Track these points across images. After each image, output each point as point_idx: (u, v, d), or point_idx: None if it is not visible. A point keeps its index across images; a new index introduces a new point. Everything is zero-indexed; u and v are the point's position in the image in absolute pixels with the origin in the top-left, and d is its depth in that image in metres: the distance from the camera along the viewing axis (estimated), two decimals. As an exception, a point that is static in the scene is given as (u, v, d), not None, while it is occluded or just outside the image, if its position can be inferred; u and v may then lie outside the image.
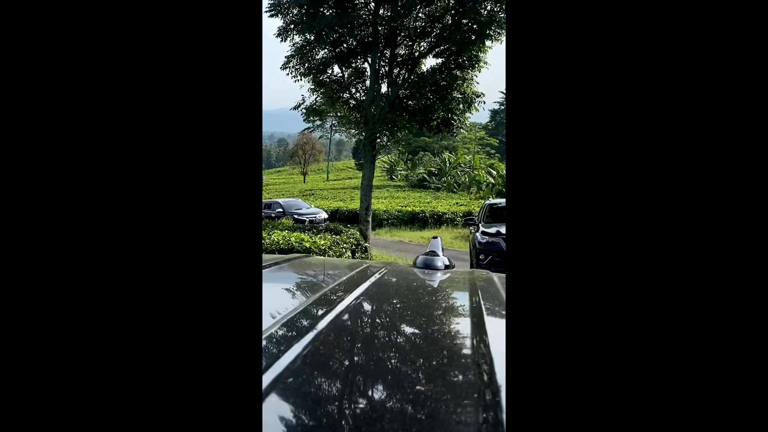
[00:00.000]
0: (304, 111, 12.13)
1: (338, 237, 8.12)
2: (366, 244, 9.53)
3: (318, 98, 11.84)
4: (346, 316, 0.81)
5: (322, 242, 7.22)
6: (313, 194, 38.38)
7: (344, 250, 7.72)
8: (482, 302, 0.95)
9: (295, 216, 16.08)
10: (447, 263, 1.31)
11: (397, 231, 18.26)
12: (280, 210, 17.36)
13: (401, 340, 0.76)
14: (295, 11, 10.77)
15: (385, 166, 45.49)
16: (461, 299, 1.04)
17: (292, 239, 7.06)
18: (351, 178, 55.72)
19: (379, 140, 11.58)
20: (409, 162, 43.82)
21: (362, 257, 8.60)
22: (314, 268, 1.34)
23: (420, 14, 10.69)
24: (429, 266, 1.28)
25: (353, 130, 12.06)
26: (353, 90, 11.56)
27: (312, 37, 10.93)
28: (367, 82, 11.28)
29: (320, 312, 0.81)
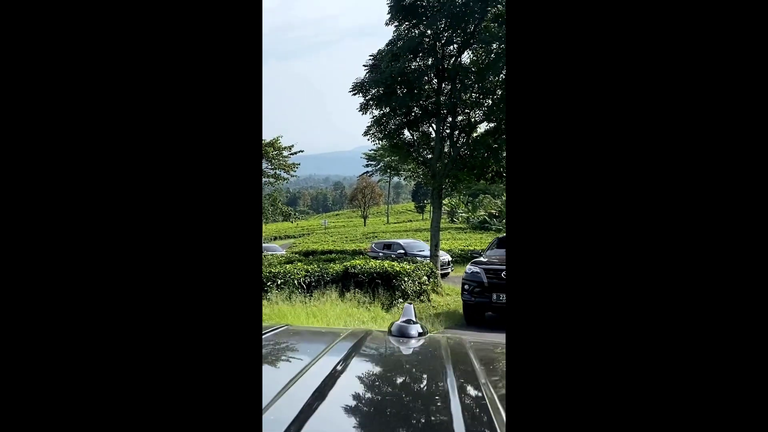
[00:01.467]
0: (376, 167, 15.66)
1: (416, 265, 11.43)
2: (437, 271, 12.78)
3: (392, 157, 15.38)
4: (324, 391, 0.85)
5: (408, 267, 10.55)
6: (376, 236, 41.92)
7: (421, 275, 10.99)
8: (452, 371, 1.03)
9: (418, 258, 15.55)
10: (420, 330, 1.37)
11: (461, 267, 21.36)
12: (402, 251, 18.00)
13: (373, 411, 0.84)
14: (373, 91, 14.42)
15: (446, 209, 48.65)
16: (434, 368, 1.13)
17: (386, 264, 10.42)
18: (411, 220, 59.17)
19: (444, 190, 14.94)
20: (470, 205, 46.80)
21: (434, 282, 11.83)
22: (295, 338, 1.40)
23: (475, 89, 14.11)
24: (404, 334, 1.34)
25: (421, 181, 15.46)
26: (421, 150, 15.02)
27: (388, 110, 14.53)
28: (433, 144, 14.72)
29: (300, 389, 0.86)
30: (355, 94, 14.80)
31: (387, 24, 14.28)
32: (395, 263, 10.83)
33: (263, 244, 21.59)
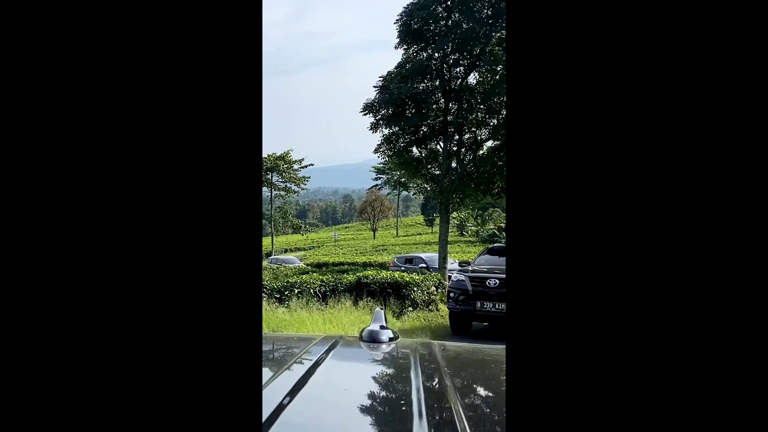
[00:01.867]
0: (386, 181, 16.58)
1: (425, 276, 12.27)
2: (446, 282, 13.63)
3: (401, 173, 16.29)
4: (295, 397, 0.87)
5: (417, 278, 11.40)
6: (385, 249, 42.72)
7: (430, 285, 11.83)
8: (419, 375, 1.05)
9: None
10: (391, 335, 1.39)
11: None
12: (424, 265, 17.85)
13: (338, 415, 0.86)
14: (383, 111, 15.35)
15: (456, 222, 49.41)
16: (401, 372, 1.15)
17: (396, 275, 11.28)
18: (420, 233, 59.97)
19: (451, 205, 15.80)
20: (479, 218, 47.55)
21: (442, 293, 12.67)
22: (267, 344, 1.42)
23: (481, 108, 15.01)
24: (374, 339, 1.36)
25: (429, 196, 16.35)
26: (429, 167, 15.92)
27: (397, 129, 15.45)
28: (440, 160, 15.61)
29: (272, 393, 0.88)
30: (365, 114, 15.75)
31: (396, 47, 15.26)
32: (405, 274, 11.68)
33: (281, 256, 22.41)
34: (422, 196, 18.44)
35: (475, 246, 39.62)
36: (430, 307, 11.37)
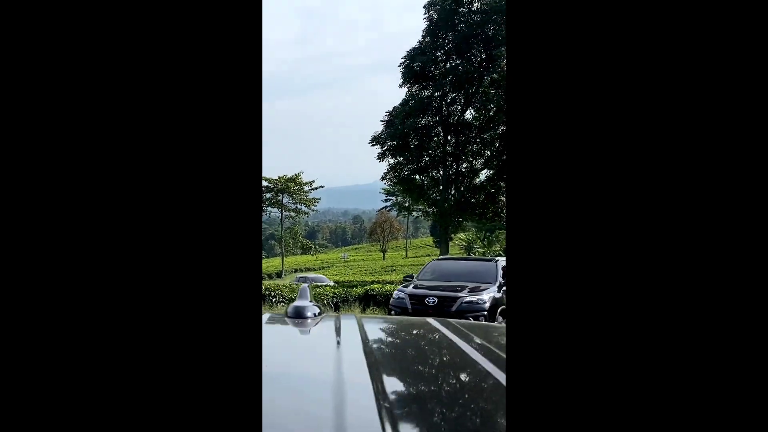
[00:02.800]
0: (393, 204, 18.77)
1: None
2: None
3: (405, 198, 18.44)
4: None
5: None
6: (394, 270, 44.69)
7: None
8: (343, 347, 1.12)
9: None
10: (316, 311, 1.45)
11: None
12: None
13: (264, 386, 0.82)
14: (389, 143, 17.55)
15: (463, 243, 51.34)
16: (326, 344, 1.19)
17: (388, 287, 13.39)
18: (429, 255, 61.83)
19: (450, 228, 17.91)
20: (486, 240, 49.47)
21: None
22: None
23: (476, 141, 17.16)
24: (300, 315, 1.43)
25: (430, 219, 18.46)
26: (430, 192, 18.05)
27: (401, 159, 17.63)
28: (440, 187, 17.75)
29: None
30: (373, 145, 17.96)
31: (400, 86, 17.52)
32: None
33: (310, 275, 23.88)
34: (429, 220, 20.54)
35: (481, 267, 41.30)
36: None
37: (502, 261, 8.58)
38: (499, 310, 7.55)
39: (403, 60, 17.21)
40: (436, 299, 7.55)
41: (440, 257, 10.84)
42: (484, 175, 17.54)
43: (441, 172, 17.71)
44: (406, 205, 18.53)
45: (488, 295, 7.53)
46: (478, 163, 17.48)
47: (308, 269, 55.00)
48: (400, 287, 8.62)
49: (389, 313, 8.27)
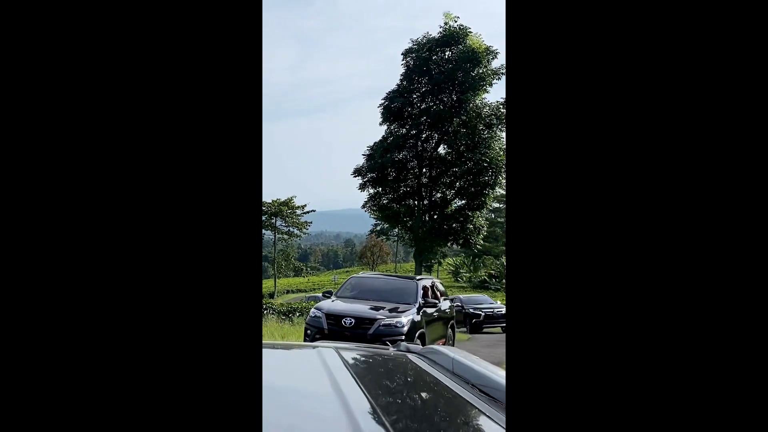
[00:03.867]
0: (372, 231, 20.90)
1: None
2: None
3: (384, 225, 20.56)
4: None
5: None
6: (381, 293, 46.28)
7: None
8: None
9: (471, 310, 17.72)
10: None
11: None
12: (458, 304, 18.48)
13: None
14: (369, 175, 19.67)
15: (451, 268, 53.19)
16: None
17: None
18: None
19: (423, 253, 19.99)
20: (472, 265, 51.39)
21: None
22: None
23: (448, 173, 19.30)
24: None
25: (406, 244, 20.55)
26: (406, 220, 20.14)
27: (380, 189, 19.75)
28: (416, 215, 19.85)
29: None
30: (356, 177, 20.08)
31: (380, 124, 19.73)
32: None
33: (320, 295, 25.98)
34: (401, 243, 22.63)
35: (466, 291, 43.29)
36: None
37: (424, 281, 8.60)
38: (417, 334, 7.34)
39: (383, 101, 19.45)
40: (353, 320, 7.23)
41: (361, 274, 10.37)
42: (455, 204, 19.66)
43: (416, 202, 19.84)
44: (384, 230, 20.57)
45: (407, 318, 7.30)
46: (450, 193, 19.62)
47: (299, 291, 56.81)
48: (317, 305, 8.13)
49: (305, 333, 7.87)
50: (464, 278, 51.42)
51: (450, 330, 9.31)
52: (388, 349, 1.57)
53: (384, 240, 62.03)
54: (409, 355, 1.40)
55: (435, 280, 9.84)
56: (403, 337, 6.95)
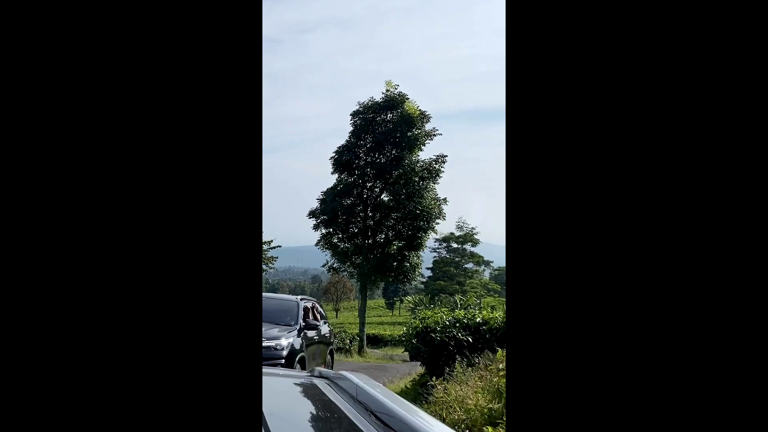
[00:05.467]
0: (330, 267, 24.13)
1: (344, 334, 19.50)
2: (364, 340, 20.88)
3: (336, 261, 23.79)
4: None
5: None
6: (342, 326, 49.18)
7: (345, 338, 19.01)
8: None
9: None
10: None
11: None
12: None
13: None
14: (322, 217, 22.94)
15: (410, 305, 56.20)
16: None
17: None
18: (381, 315, 66.39)
19: (368, 287, 23.22)
20: (431, 303, 54.40)
21: (356, 346, 19.79)
22: None
23: (391, 217, 22.66)
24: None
25: (354, 278, 23.78)
26: (354, 257, 23.37)
27: (331, 230, 22.99)
28: (362, 254, 23.09)
29: None
30: (310, 218, 23.31)
31: (332, 174, 23.10)
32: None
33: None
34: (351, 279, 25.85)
35: (421, 326, 46.22)
36: (347, 354, 18.73)
37: (305, 302, 8.42)
38: (297, 358, 6.99)
39: (334, 154, 22.87)
40: None
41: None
42: (395, 245, 22.99)
43: (363, 241, 23.14)
44: (334, 266, 23.85)
45: (287, 340, 6.97)
46: (391, 235, 22.98)
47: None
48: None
49: None
50: (423, 314, 54.20)
51: (329, 356, 9.13)
52: (299, 374, 1.67)
53: (347, 276, 64.87)
54: (319, 381, 1.46)
55: (316, 302, 9.59)
56: (283, 361, 6.65)
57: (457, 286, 54.64)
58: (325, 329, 9.08)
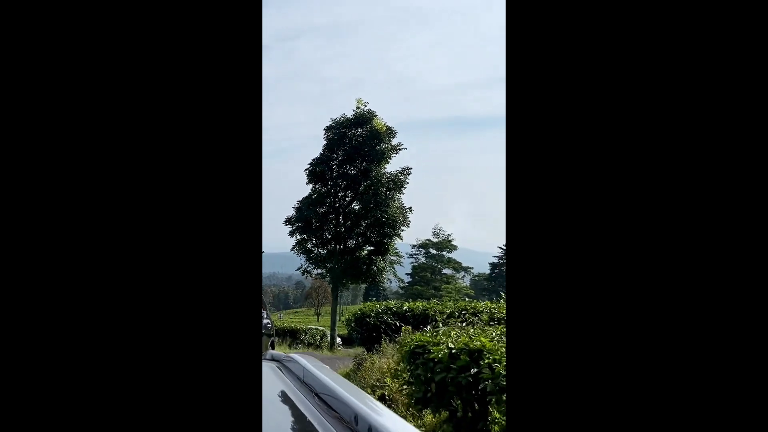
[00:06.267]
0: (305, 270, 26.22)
1: (318, 331, 21.56)
2: (337, 337, 22.97)
3: (310, 265, 25.88)
4: None
5: (313, 329, 20.74)
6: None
7: (316, 334, 21.09)
8: None
9: None
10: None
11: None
12: None
13: None
14: (297, 224, 25.01)
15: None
16: None
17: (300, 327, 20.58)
18: (361, 319, 68.22)
19: (339, 289, 25.34)
20: (409, 305, 56.40)
21: (327, 342, 21.86)
22: None
23: (360, 225, 24.78)
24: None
25: (326, 281, 25.87)
26: (326, 262, 25.46)
27: (306, 236, 25.07)
28: (334, 258, 25.19)
29: None
30: (287, 225, 25.38)
31: (307, 184, 25.22)
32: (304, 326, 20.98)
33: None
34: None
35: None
36: (318, 348, 20.82)
37: None
38: None
39: (308, 166, 25.00)
40: None
41: None
42: (365, 250, 25.13)
43: (334, 247, 25.25)
44: (308, 269, 25.98)
45: None
46: (361, 241, 25.14)
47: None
48: None
49: None
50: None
51: (270, 347, 9.97)
52: None
53: (320, 278, 66.80)
54: (269, 364, 1.50)
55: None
56: None
57: (434, 291, 56.81)
58: (267, 321, 9.95)
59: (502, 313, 9.88)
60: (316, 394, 1.16)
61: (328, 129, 24.98)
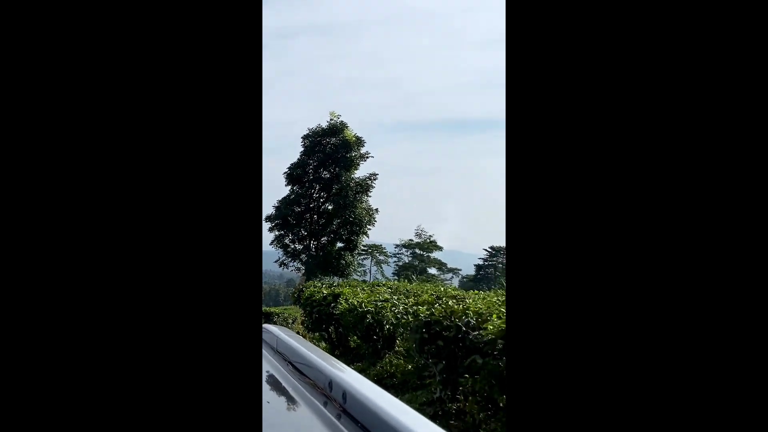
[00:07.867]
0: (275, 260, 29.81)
1: (290, 311, 25.04)
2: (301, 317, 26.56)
3: (287, 258, 29.48)
4: None
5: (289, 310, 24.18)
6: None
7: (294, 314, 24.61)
8: None
9: None
10: None
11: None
12: None
13: None
14: (276, 221, 28.55)
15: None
16: None
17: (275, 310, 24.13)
18: (347, 316, 71.52)
19: (313, 280, 28.90)
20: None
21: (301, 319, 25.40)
22: None
23: (333, 223, 28.36)
24: None
25: (302, 274, 29.53)
26: (302, 256, 29.02)
27: (283, 232, 28.65)
28: (309, 252, 28.75)
29: None
30: (267, 222, 28.96)
31: (285, 186, 28.80)
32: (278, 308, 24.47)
33: None
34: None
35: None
36: (290, 325, 24.50)
37: None
38: None
39: (287, 170, 28.62)
40: None
41: None
42: (336, 246, 28.73)
43: (309, 242, 28.88)
44: (285, 262, 29.64)
45: None
46: (334, 237, 28.78)
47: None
48: None
49: None
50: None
51: None
52: None
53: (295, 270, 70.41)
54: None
55: None
56: None
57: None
58: None
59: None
60: (290, 362, 1.22)
61: (305, 137, 28.60)
